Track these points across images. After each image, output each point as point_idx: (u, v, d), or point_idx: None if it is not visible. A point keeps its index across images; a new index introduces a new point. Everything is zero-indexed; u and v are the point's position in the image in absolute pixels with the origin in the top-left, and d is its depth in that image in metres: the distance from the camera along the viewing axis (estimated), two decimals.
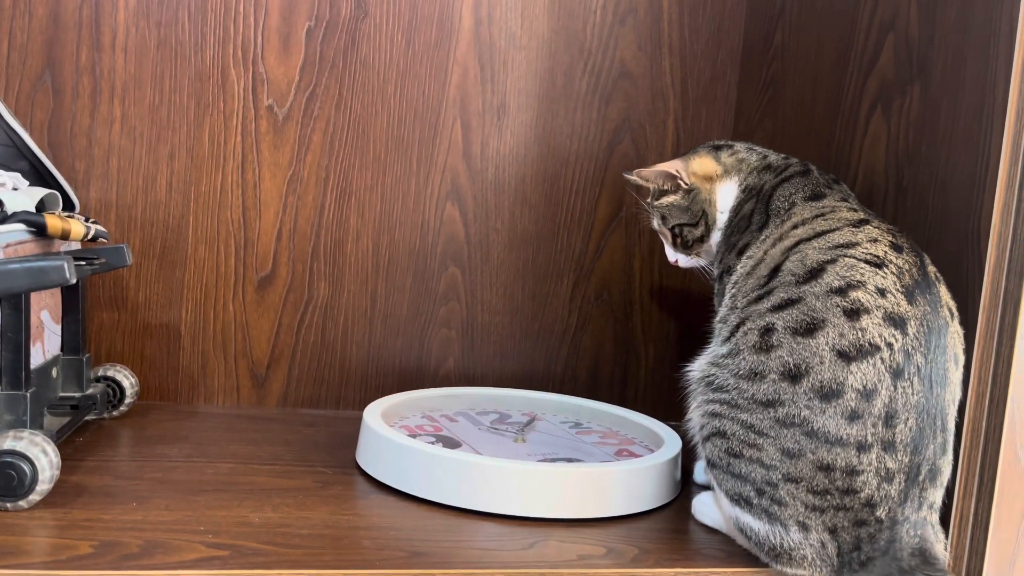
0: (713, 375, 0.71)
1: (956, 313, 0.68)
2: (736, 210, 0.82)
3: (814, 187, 0.78)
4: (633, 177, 0.89)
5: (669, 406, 1.13)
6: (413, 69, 1.05)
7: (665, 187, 0.86)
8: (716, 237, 0.84)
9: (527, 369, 1.11)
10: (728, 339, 0.72)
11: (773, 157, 0.84)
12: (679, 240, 0.87)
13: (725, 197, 0.83)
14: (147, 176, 1.01)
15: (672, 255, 0.89)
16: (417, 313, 1.08)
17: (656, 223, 0.89)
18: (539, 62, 1.08)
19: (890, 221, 0.83)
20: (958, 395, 0.67)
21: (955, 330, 0.67)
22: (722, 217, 0.83)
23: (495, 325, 1.10)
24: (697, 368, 0.74)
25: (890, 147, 0.84)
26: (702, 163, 0.85)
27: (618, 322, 1.13)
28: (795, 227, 0.74)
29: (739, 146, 0.86)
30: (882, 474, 0.63)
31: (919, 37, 0.80)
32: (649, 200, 0.89)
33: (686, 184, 0.84)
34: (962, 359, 0.67)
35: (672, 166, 0.85)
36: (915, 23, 0.81)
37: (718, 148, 0.86)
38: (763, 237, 0.76)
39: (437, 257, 1.08)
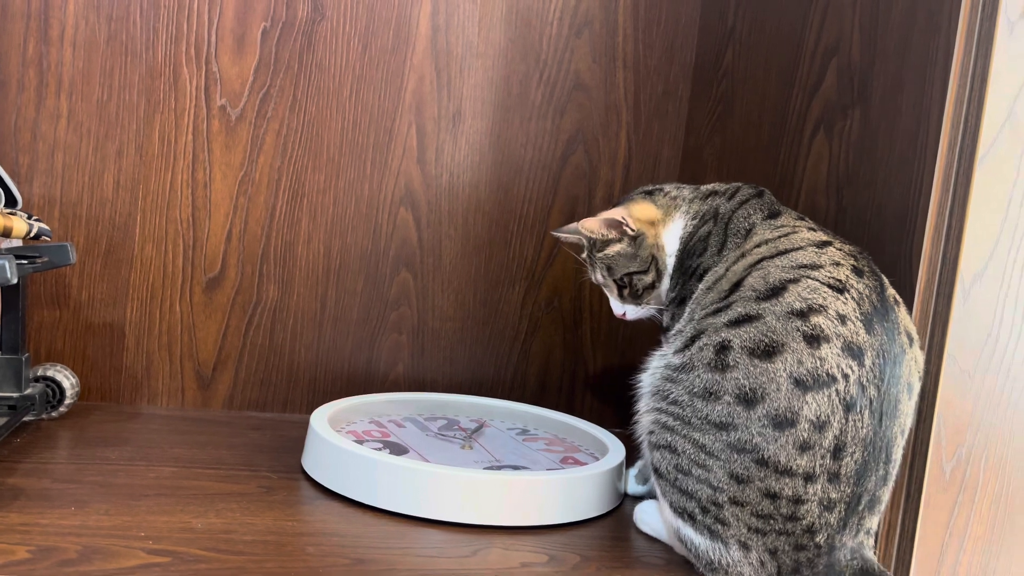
0: (668, 390, 0.70)
1: (915, 337, 0.68)
2: (687, 240, 0.82)
3: (770, 206, 0.80)
4: (564, 235, 0.87)
5: (615, 413, 1.15)
6: (369, 73, 1.05)
7: (609, 236, 0.84)
8: (666, 281, 0.84)
9: (477, 375, 1.12)
10: (682, 351, 0.70)
11: (710, 185, 0.85)
12: (628, 290, 0.85)
13: (671, 238, 0.83)
14: (93, 173, 0.99)
15: (620, 308, 0.86)
16: (367, 317, 1.08)
17: (599, 276, 0.86)
18: (495, 71, 1.08)
19: None
20: (908, 424, 0.67)
21: (912, 357, 0.67)
22: (671, 261, 0.83)
23: (446, 331, 1.11)
24: (649, 379, 0.73)
25: (832, 168, 0.86)
26: (643, 209, 0.84)
27: (567, 329, 1.15)
28: (758, 245, 0.74)
29: (668, 186, 0.86)
30: (824, 503, 0.64)
31: (861, 62, 0.83)
32: (588, 252, 0.86)
33: (632, 231, 0.83)
34: (917, 387, 0.67)
35: (617, 213, 0.83)
36: (857, 48, 0.84)
37: (650, 193, 0.86)
38: (724, 257, 0.76)
39: (389, 262, 1.08)
